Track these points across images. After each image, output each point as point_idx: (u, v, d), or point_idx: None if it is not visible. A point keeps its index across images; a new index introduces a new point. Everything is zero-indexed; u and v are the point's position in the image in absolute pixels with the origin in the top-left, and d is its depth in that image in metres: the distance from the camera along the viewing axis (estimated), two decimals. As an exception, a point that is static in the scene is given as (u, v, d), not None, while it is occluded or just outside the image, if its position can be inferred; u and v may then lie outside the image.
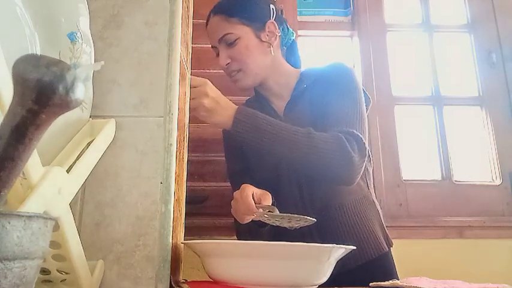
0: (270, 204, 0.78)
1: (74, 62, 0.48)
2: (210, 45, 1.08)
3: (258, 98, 1.11)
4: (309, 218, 0.66)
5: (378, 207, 1.02)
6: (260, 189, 0.81)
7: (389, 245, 0.99)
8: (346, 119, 0.93)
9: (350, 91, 0.98)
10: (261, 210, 0.74)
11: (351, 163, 0.84)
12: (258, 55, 1.01)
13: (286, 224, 0.71)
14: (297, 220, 0.67)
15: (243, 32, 1.00)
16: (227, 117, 0.85)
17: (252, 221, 0.81)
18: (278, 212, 0.73)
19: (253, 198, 0.78)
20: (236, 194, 0.81)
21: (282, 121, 0.98)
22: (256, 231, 0.90)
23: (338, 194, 0.96)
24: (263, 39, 1.02)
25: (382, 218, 1.01)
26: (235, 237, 1.37)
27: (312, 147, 0.84)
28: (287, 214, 0.68)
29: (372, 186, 1.07)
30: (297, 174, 0.96)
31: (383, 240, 0.98)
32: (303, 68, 1.12)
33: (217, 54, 1.04)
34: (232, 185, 1.09)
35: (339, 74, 1.02)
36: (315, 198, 0.95)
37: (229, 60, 1.01)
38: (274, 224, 0.74)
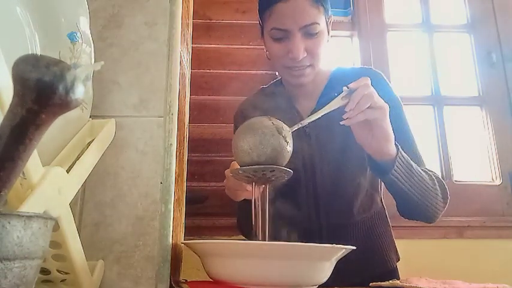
0: None
1: (74, 62, 0.48)
2: (210, 45, 1.04)
3: (281, 93, 0.99)
4: (284, 168, 0.62)
5: (389, 221, 0.99)
6: None
7: (397, 259, 0.97)
8: (416, 154, 0.89)
9: (400, 115, 0.92)
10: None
11: (442, 209, 0.85)
12: (324, 53, 0.90)
13: (261, 178, 0.64)
14: (271, 171, 0.62)
15: (324, 25, 0.87)
16: (392, 147, 0.74)
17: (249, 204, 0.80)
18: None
19: None
20: (227, 171, 0.79)
21: (306, 127, 0.91)
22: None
23: (355, 212, 0.91)
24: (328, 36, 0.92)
25: (392, 233, 0.99)
26: (235, 237, 1.37)
27: (436, 195, 0.82)
28: (263, 166, 0.62)
29: (382, 196, 1.01)
30: (315, 188, 0.92)
31: (393, 255, 0.95)
32: (332, 67, 1.00)
33: (278, 39, 0.87)
34: None
35: (378, 89, 0.96)
36: (330, 215, 0.91)
37: (305, 54, 0.85)
38: (252, 181, 0.67)
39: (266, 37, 0.90)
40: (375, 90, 0.69)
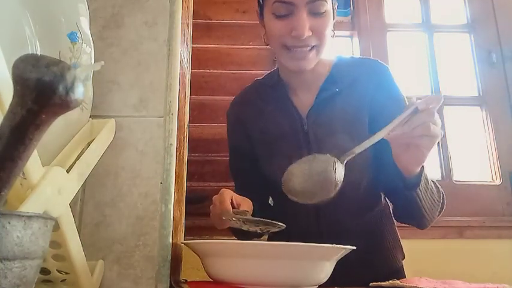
0: (248, 211, 0.73)
1: (74, 62, 0.48)
2: (209, 45, 1.03)
3: (276, 85, 0.93)
4: (277, 223, 0.62)
5: (394, 219, 0.95)
6: (240, 196, 0.76)
7: (403, 258, 0.95)
8: None
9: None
10: (233, 216, 0.69)
11: (438, 215, 0.84)
12: (330, 38, 0.85)
13: (253, 229, 0.66)
14: (265, 224, 0.62)
15: (330, 6, 0.82)
16: (419, 167, 0.71)
17: (243, 232, 0.77)
18: (249, 216, 0.68)
19: (232, 204, 0.72)
20: (215, 198, 0.76)
21: (304, 124, 0.87)
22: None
23: (357, 215, 0.88)
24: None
25: (397, 231, 0.96)
26: (235, 237, 1.37)
27: (437, 208, 0.80)
28: (257, 218, 0.64)
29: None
30: None
31: (399, 254, 0.93)
32: (333, 58, 0.93)
33: (281, 16, 0.80)
34: (234, 180, 1.01)
35: (384, 82, 0.88)
36: (333, 216, 0.87)
37: (310, 33, 0.79)
38: (244, 228, 0.69)
39: (267, 15, 0.84)
40: (438, 118, 0.64)
